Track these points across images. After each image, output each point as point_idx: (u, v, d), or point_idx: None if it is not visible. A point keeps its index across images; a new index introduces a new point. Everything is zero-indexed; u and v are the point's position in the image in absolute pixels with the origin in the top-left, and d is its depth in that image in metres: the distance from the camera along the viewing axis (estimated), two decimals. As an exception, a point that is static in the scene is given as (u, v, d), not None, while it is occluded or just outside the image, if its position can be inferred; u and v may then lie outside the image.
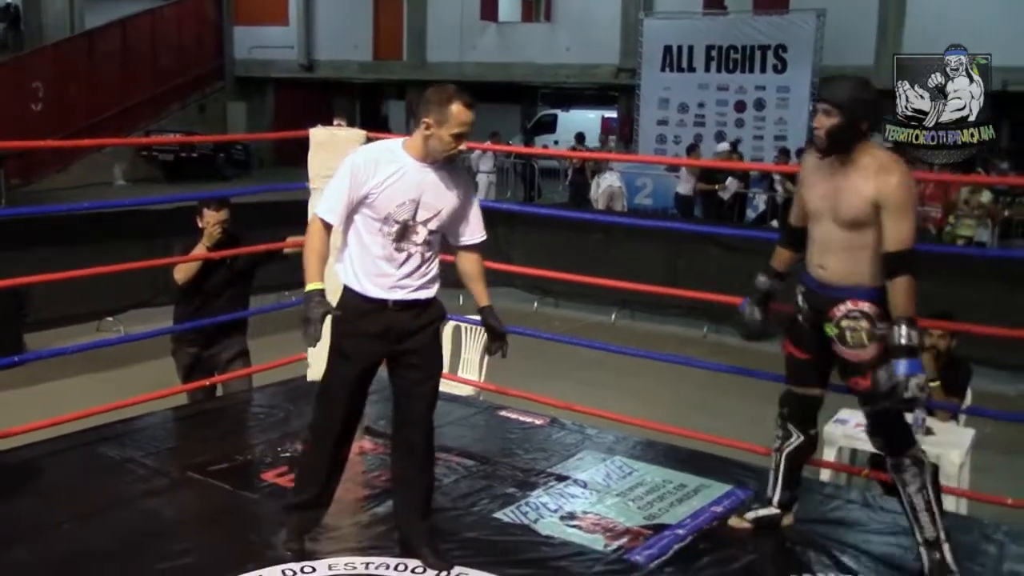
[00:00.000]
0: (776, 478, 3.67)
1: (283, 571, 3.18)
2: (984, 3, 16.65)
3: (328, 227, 3.20)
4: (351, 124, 5.41)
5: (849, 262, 3.23)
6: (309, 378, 5.26)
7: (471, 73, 22.95)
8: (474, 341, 6.19)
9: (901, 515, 3.93)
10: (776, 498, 3.68)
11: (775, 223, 14.43)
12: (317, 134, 5.14)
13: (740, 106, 18.62)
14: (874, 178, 3.10)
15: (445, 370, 6.00)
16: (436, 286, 3.31)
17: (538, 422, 4.92)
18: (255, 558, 3.25)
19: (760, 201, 15.63)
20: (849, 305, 3.24)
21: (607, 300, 10.64)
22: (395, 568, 3.25)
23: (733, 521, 3.71)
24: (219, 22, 26.07)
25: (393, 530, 3.45)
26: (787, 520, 3.70)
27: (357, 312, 3.22)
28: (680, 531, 3.67)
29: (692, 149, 17.09)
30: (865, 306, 3.22)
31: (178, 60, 24.60)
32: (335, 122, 5.46)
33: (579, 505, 3.89)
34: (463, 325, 6.12)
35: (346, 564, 3.26)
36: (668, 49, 19.05)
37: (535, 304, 11.18)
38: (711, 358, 7.53)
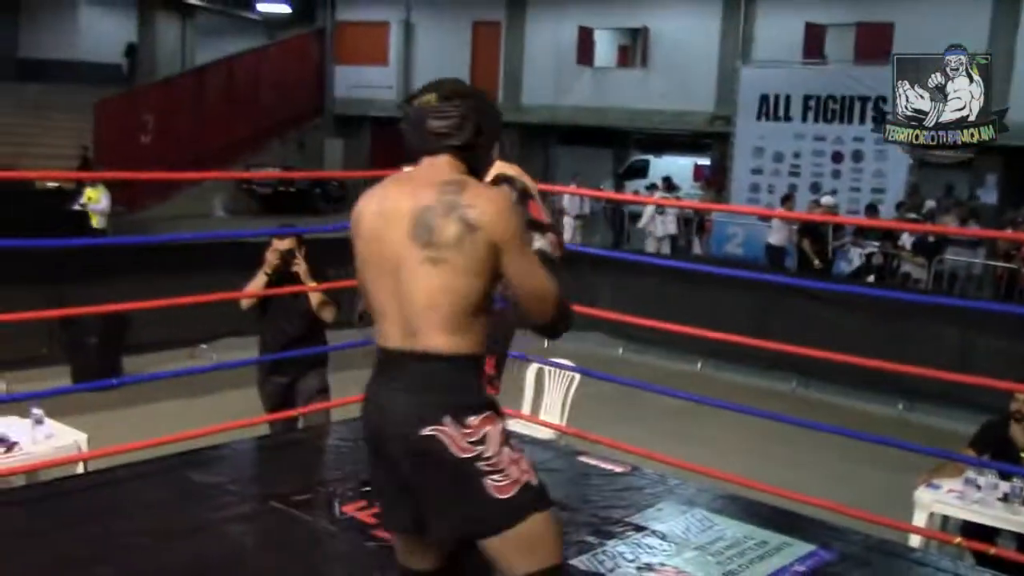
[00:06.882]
0: None
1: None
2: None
3: None
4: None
5: None
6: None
7: (564, 116, 23.11)
8: (557, 385, 6.19)
9: (994, 587, 3.79)
10: None
11: (871, 279, 14.08)
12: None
13: (837, 157, 18.29)
14: None
15: (527, 412, 5.98)
16: None
17: (618, 469, 4.87)
18: (330, 591, 3.27)
19: (856, 255, 15.28)
20: None
21: (693, 349, 10.51)
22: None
23: None
24: (321, 62, 26.84)
25: None
26: None
27: None
28: (760, 590, 3.58)
29: (786, 199, 16.85)
30: None
31: (280, 97, 25.33)
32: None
33: (657, 557, 3.83)
34: (546, 368, 6.12)
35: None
36: (765, 98, 18.87)
37: (620, 350, 11.12)
38: (797, 413, 7.39)
